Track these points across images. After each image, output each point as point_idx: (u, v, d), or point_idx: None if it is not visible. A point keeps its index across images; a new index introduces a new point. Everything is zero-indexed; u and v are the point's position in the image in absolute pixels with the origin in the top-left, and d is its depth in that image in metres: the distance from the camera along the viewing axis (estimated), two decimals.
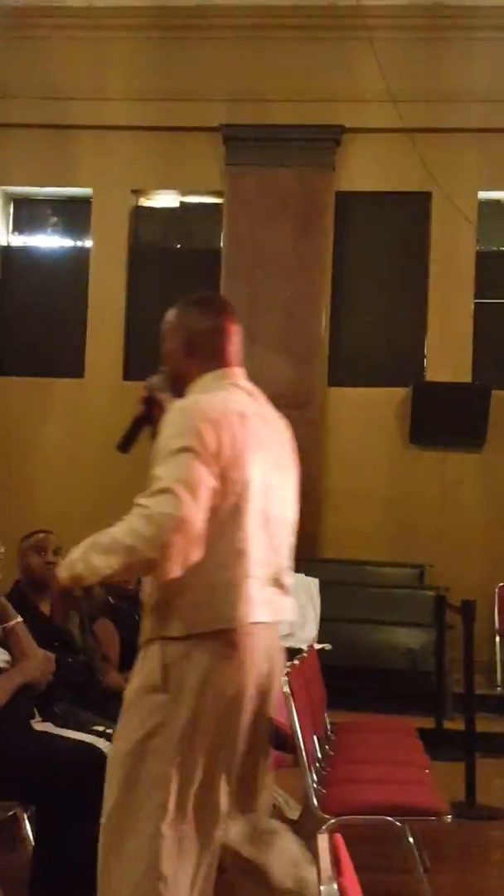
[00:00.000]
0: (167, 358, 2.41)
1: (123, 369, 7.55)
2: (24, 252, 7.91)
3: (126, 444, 2.50)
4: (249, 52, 7.36)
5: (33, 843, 3.08)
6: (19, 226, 7.95)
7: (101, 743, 2.99)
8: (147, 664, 2.22)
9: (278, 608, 2.31)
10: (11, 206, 7.92)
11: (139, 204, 7.78)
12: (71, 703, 3.39)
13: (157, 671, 2.19)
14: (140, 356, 7.64)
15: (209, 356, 2.34)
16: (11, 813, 3.33)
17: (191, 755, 2.18)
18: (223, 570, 2.18)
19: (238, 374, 2.38)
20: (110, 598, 4.72)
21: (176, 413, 2.23)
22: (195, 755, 2.18)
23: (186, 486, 2.10)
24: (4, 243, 7.85)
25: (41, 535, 4.25)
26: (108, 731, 3.10)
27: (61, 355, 7.69)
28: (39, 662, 3.26)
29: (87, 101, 7.42)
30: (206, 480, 2.12)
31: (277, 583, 2.30)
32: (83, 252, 7.78)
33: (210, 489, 2.13)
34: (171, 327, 2.41)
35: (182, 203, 7.85)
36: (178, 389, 2.36)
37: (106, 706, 3.52)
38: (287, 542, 2.36)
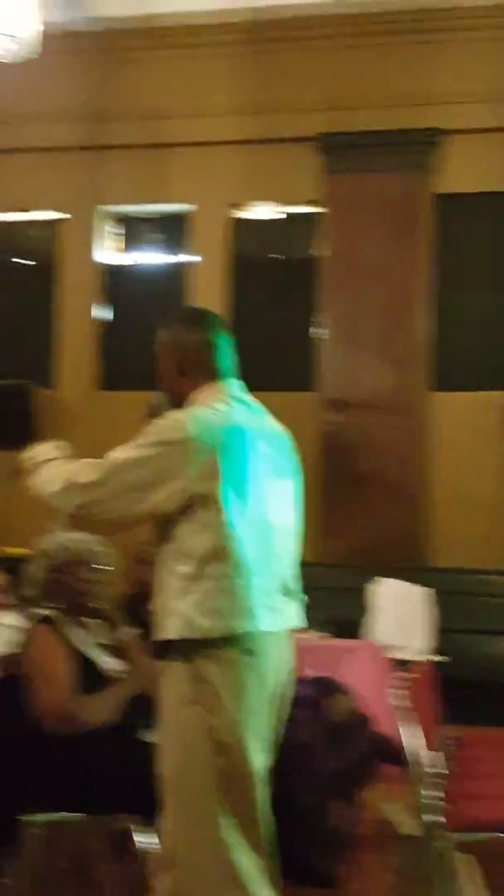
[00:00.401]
0: (162, 378, 2.42)
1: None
2: (126, 269, 8.08)
3: None
4: (345, 60, 7.34)
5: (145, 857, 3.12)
6: (121, 244, 8.11)
7: None
8: (173, 676, 2.27)
9: (287, 616, 2.34)
10: (117, 226, 8.10)
11: (237, 217, 7.85)
12: None
13: (187, 682, 2.23)
14: (242, 367, 7.69)
15: (200, 372, 2.36)
16: (126, 826, 3.38)
17: (233, 765, 2.23)
18: (227, 579, 2.21)
19: (231, 386, 2.38)
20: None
21: (162, 421, 2.31)
22: (236, 766, 2.23)
23: (116, 471, 2.26)
24: (107, 261, 8.02)
25: (142, 546, 4.32)
26: None
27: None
28: (151, 672, 3.30)
29: (184, 118, 7.53)
30: (143, 479, 2.23)
31: (285, 590, 2.33)
32: (183, 267, 7.89)
33: (152, 479, 2.21)
34: (162, 347, 2.42)
35: (280, 214, 7.89)
36: (173, 405, 2.39)
37: None
38: (291, 549, 2.38)
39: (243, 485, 2.23)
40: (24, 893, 3.28)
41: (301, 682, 3.96)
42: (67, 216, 7.91)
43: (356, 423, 7.28)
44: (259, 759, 2.28)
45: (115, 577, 3.46)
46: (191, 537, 2.23)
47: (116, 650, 3.31)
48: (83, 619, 3.23)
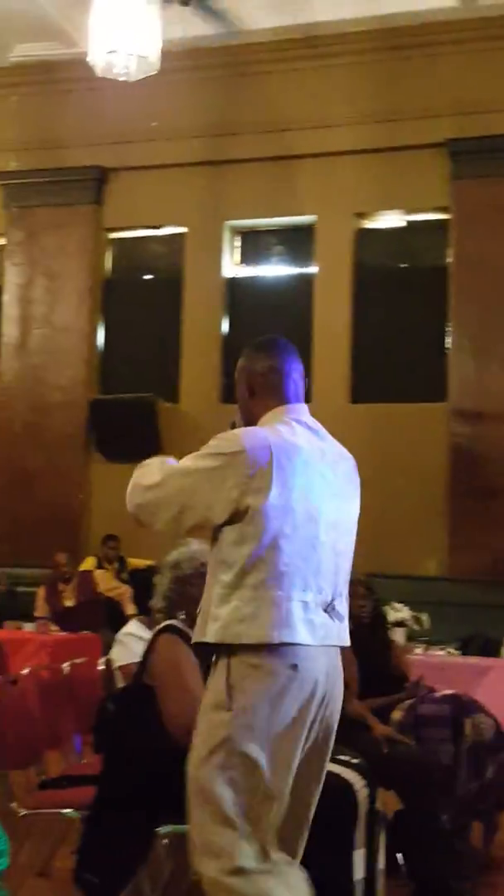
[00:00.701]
0: (239, 402, 2.51)
1: (350, 392, 7.55)
2: (250, 282, 8.11)
3: None
4: (472, 64, 7.22)
5: None
6: (245, 257, 8.16)
7: (347, 773, 2.93)
8: (214, 682, 2.30)
9: (329, 633, 2.33)
10: (238, 239, 8.15)
11: (362, 227, 7.78)
12: None
13: (223, 690, 2.26)
14: (367, 378, 7.62)
15: (269, 395, 2.44)
16: None
17: (252, 774, 2.24)
18: (264, 589, 2.26)
19: (297, 409, 2.46)
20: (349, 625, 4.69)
21: (221, 434, 2.38)
22: (255, 774, 2.24)
23: (174, 476, 2.32)
24: (231, 275, 8.07)
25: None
26: (354, 760, 3.04)
27: None
28: None
29: (309, 129, 7.54)
30: (194, 486, 2.30)
31: (330, 608, 2.34)
32: (307, 279, 7.87)
33: (206, 486, 2.28)
34: (238, 372, 2.52)
35: (407, 222, 7.78)
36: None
37: (349, 735, 3.47)
38: (343, 569, 2.41)
39: (293, 502, 2.30)
40: None
41: (433, 699, 3.87)
42: (194, 231, 8.00)
43: (487, 435, 7.09)
44: (281, 778, 2.27)
45: None
46: (233, 547, 2.29)
47: None
48: None
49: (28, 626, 6.14)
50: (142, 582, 3.68)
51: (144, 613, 3.90)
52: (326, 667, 2.32)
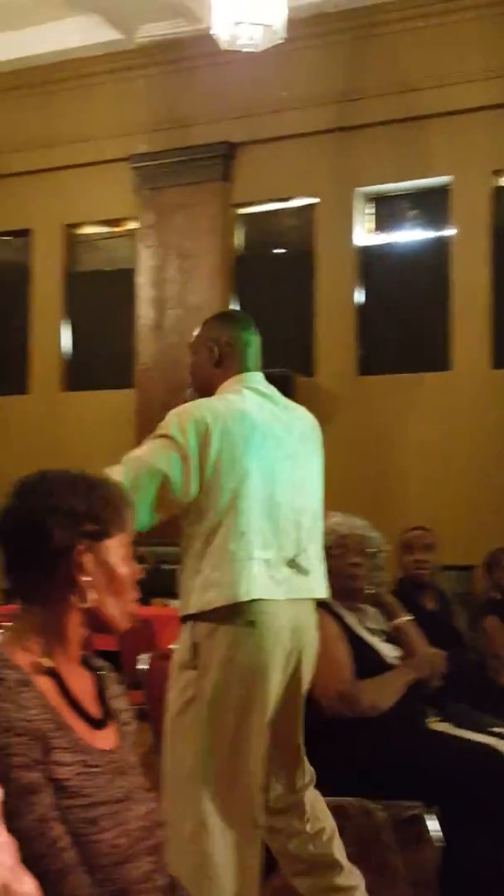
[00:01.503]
0: (195, 372, 2.67)
1: (492, 358, 7.32)
2: (383, 250, 7.95)
3: None
4: None
5: (438, 844, 3.03)
6: (378, 224, 8.00)
7: (502, 745, 2.86)
8: (180, 643, 2.47)
9: (293, 587, 2.49)
10: (370, 206, 8.00)
11: (500, 185, 7.51)
12: (465, 703, 3.29)
13: (188, 649, 2.43)
14: None
15: (231, 365, 2.60)
16: (414, 813, 3.30)
17: (219, 728, 2.41)
18: (226, 552, 2.41)
19: (252, 377, 2.61)
20: (492, 594, 4.58)
21: (171, 414, 2.51)
22: (222, 728, 2.41)
23: (140, 462, 2.42)
24: (364, 243, 7.93)
25: (411, 532, 4.22)
26: None
27: (426, 349, 7.63)
28: (429, 659, 3.21)
29: (440, 88, 7.29)
30: (169, 463, 2.41)
31: (293, 564, 2.50)
32: (443, 242, 7.65)
33: (173, 470, 2.42)
34: (198, 341, 2.67)
35: None
36: (201, 394, 2.62)
37: (501, 707, 3.38)
38: (305, 525, 2.56)
39: (244, 466, 2.44)
40: None
41: None
42: (324, 201, 7.90)
43: None
44: (251, 733, 2.44)
45: (387, 562, 3.37)
46: (196, 518, 2.45)
47: (390, 636, 3.23)
48: (354, 603, 3.17)
49: (174, 603, 6.22)
50: None
51: None
52: (293, 620, 2.49)
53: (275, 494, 2.49)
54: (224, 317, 2.83)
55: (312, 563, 2.57)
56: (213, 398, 2.56)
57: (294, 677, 2.53)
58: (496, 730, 3.01)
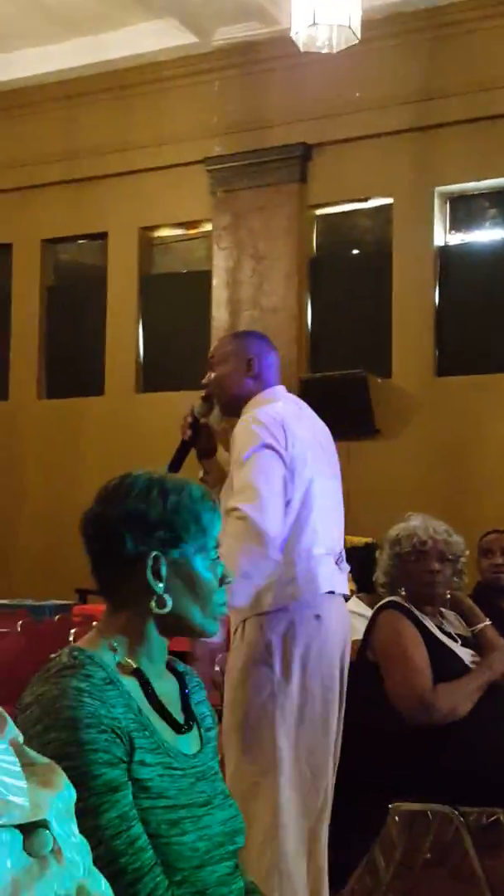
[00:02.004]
0: (223, 381, 2.75)
1: None
2: (462, 249, 7.85)
3: (174, 467, 2.72)
4: None
5: None
6: (456, 224, 7.90)
7: None
8: (249, 640, 2.51)
9: (342, 583, 2.65)
10: (448, 205, 7.91)
11: None
12: None
13: (262, 646, 2.48)
14: None
15: (265, 379, 2.73)
16: (494, 818, 3.25)
17: (301, 725, 2.45)
18: (302, 549, 2.53)
19: (283, 390, 2.78)
20: None
21: (246, 423, 2.58)
22: (306, 725, 2.46)
23: (265, 481, 2.48)
24: (442, 243, 7.84)
25: (490, 535, 4.15)
26: None
27: (503, 350, 7.50)
28: None
29: None
30: (279, 470, 2.50)
31: (340, 559, 2.66)
32: None
33: (282, 476, 2.51)
34: (230, 354, 2.76)
35: None
36: (234, 410, 2.73)
37: None
38: (341, 524, 2.73)
39: (309, 470, 2.58)
40: (388, 881, 3.25)
41: None
42: (401, 201, 7.83)
43: None
44: (334, 713, 2.53)
45: (466, 567, 3.31)
46: None
47: (469, 641, 3.18)
48: (433, 608, 3.12)
49: None
50: (361, 559, 3.65)
51: (364, 591, 3.87)
52: (343, 612, 2.64)
53: (330, 494, 2.67)
54: (255, 335, 2.97)
55: (345, 562, 2.75)
56: (271, 405, 2.65)
57: (343, 671, 2.63)
58: None
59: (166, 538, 1.44)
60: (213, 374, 2.78)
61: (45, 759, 1.11)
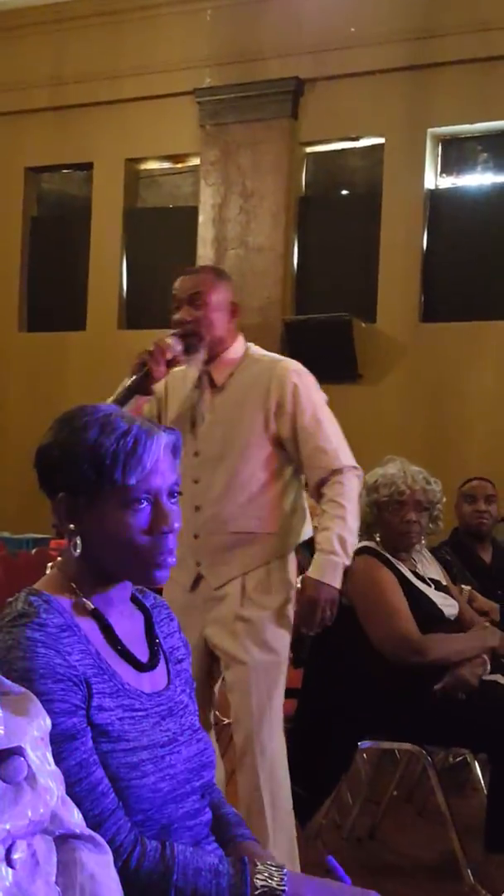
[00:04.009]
0: (214, 324, 2.64)
1: None
2: (452, 193, 7.76)
3: (125, 401, 2.57)
4: None
5: (485, 790, 3.04)
6: (447, 167, 7.80)
7: None
8: (283, 580, 2.61)
9: None
10: (440, 148, 7.79)
11: None
12: None
13: (292, 584, 2.62)
14: None
15: (235, 325, 2.71)
16: (460, 759, 3.31)
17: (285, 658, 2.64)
18: (301, 494, 2.70)
19: None
20: None
21: (302, 376, 2.64)
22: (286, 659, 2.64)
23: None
24: (432, 186, 7.74)
25: (474, 482, 4.16)
26: None
27: (492, 297, 7.46)
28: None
29: None
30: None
31: None
32: None
33: None
34: (221, 298, 2.67)
35: None
36: (210, 354, 2.64)
37: None
38: None
39: None
40: (355, 817, 3.31)
41: None
42: (393, 141, 7.70)
43: None
44: None
45: (442, 513, 3.32)
46: (287, 459, 2.67)
47: (441, 585, 3.21)
48: (407, 553, 3.14)
49: None
50: None
51: None
52: None
53: None
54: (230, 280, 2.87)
55: None
56: (278, 356, 2.73)
57: None
58: None
59: (94, 479, 1.36)
60: (201, 314, 2.64)
61: (21, 689, 1.10)
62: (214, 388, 2.66)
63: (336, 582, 2.53)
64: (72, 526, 1.39)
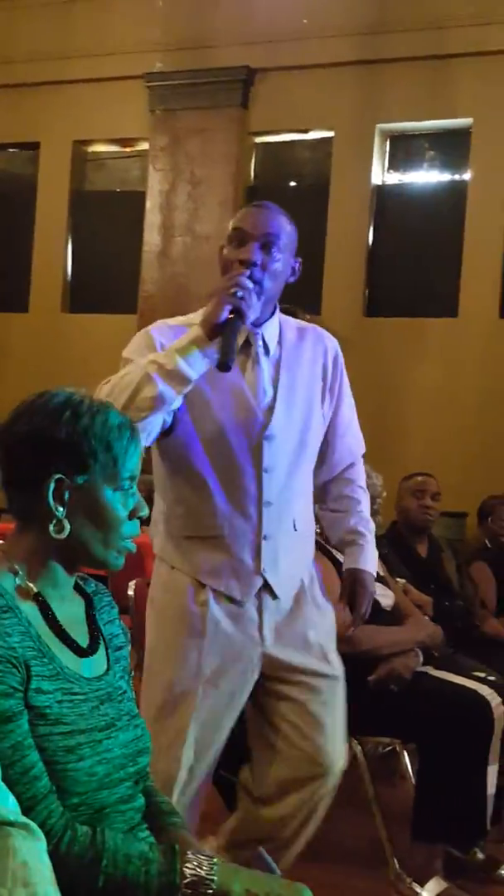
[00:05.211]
0: (278, 278, 2.12)
1: (501, 307, 7.25)
2: (398, 190, 7.82)
3: (230, 362, 1.93)
4: None
5: (413, 780, 3.08)
6: (395, 163, 7.86)
7: (483, 689, 2.89)
8: (319, 582, 2.32)
9: None
10: (388, 143, 7.85)
11: None
12: (450, 648, 3.31)
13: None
14: None
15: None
16: (389, 748, 3.35)
17: None
18: None
19: None
20: (487, 543, 4.60)
21: (340, 355, 2.32)
22: None
23: None
24: (379, 182, 7.80)
25: (420, 478, 4.19)
26: (490, 677, 3.00)
27: (435, 295, 7.55)
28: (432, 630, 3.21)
29: (470, 27, 7.10)
30: None
31: None
32: (460, 186, 7.53)
33: None
34: (291, 243, 2.16)
35: None
36: (264, 311, 2.10)
37: (485, 652, 3.41)
38: None
39: None
40: None
41: None
42: (342, 135, 7.74)
43: None
44: None
45: (381, 507, 3.36)
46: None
47: (378, 576, 3.24)
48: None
49: None
50: None
51: None
52: None
53: None
54: None
55: None
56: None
57: None
58: (478, 674, 3.04)
59: (72, 462, 1.38)
60: (272, 262, 2.09)
61: None
62: (268, 357, 2.16)
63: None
64: (61, 508, 1.39)
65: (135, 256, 8.24)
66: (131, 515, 1.44)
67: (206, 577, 2.12)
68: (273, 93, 7.84)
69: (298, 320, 2.30)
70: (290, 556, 2.16)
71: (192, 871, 1.32)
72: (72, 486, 1.39)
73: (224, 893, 1.31)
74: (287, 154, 8.25)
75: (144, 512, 1.46)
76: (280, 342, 2.19)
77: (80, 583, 1.52)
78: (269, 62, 7.76)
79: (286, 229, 2.16)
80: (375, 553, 2.34)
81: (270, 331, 2.17)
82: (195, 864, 1.32)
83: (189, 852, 1.34)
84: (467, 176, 7.47)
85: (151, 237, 8.27)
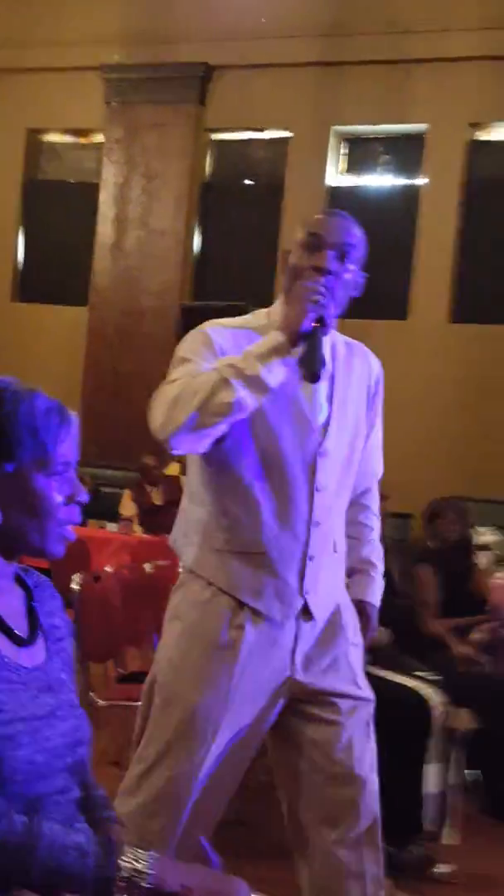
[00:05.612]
0: (350, 283, 2.01)
1: (450, 312, 7.34)
2: (353, 192, 7.87)
3: (318, 370, 1.90)
4: None
5: None
6: (350, 165, 7.91)
7: (424, 689, 2.92)
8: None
9: None
10: (342, 146, 7.89)
11: (476, 138, 7.45)
12: (393, 647, 3.35)
13: None
14: (470, 298, 7.38)
15: None
16: None
17: None
18: None
19: None
20: (430, 544, 4.64)
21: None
22: None
23: None
24: (334, 184, 7.84)
25: None
26: (431, 677, 3.03)
27: (384, 297, 7.60)
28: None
29: (430, 33, 7.17)
30: None
31: None
32: (413, 190, 7.60)
33: None
34: (362, 257, 2.05)
35: None
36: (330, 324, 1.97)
37: (427, 653, 3.46)
38: None
39: None
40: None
41: None
42: (298, 135, 7.77)
43: None
44: None
45: None
46: None
47: None
48: None
49: (111, 526, 6.23)
50: None
51: None
52: None
53: None
54: None
55: None
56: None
57: None
58: (419, 673, 3.07)
59: (28, 447, 1.36)
60: (346, 272, 1.99)
61: None
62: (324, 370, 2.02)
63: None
64: None
65: (87, 248, 8.18)
66: (69, 501, 1.42)
67: (246, 595, 2.00)
68: (230, 90, 7.84)
69: (345, 336, 2.19)
70: (329, 579, 2.07)
71: (129, 864, 1.32)
72: (3, 474, 1.38)
73: (159, 887, 1.31)
74: (243, 152, 8.26)
75: (82, 497, 1.44)
76: (333, 356, 2.09)
77: (22, 574, 1.51)
78: (227, 60, 7.76)
79: (360, 241, 2.06)
80: (382, 583, 2.23)
81: (327, 344, 2.04)
82: (132, 857, 1.32)
83: (125, 846, 1.34)
84: (420, 181, 7.54)
85: (105, 229, 8.22)
